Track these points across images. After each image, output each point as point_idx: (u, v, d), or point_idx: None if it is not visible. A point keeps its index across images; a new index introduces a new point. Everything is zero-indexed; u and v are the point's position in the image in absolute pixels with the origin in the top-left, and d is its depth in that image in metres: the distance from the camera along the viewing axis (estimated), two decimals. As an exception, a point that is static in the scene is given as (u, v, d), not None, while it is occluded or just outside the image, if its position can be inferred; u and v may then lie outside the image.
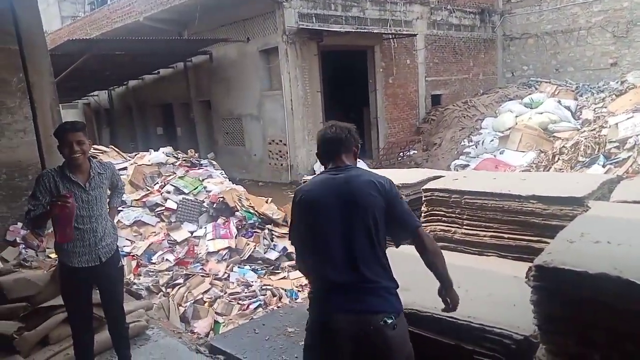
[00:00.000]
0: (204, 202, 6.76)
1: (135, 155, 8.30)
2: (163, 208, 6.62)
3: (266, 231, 6.41)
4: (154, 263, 5.67)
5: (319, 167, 11.87)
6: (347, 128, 2.14)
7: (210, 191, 6.98)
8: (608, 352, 1.65)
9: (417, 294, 2.24)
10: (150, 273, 5.40)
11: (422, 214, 3.37)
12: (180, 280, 5.24)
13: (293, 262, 5.87)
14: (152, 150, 8.44)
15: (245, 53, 12.73)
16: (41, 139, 4.69)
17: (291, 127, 11.97)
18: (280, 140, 12.35)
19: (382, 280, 1.85)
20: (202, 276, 5.34)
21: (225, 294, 5.10)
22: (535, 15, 16.69)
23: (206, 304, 4.91)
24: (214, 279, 5.33)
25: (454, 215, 3.19)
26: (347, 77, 14.21)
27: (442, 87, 15.98)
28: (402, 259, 2.15)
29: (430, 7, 15.04)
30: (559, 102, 12.19)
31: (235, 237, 6.13)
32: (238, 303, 4.91)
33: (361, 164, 10.62)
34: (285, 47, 11.60)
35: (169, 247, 5.99)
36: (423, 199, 3.39)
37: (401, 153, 13.43)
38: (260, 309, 4.78)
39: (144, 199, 6.79)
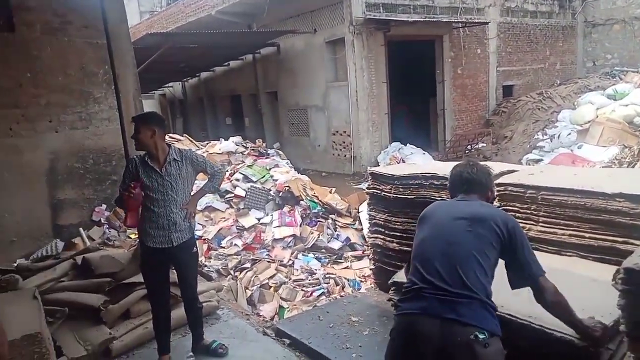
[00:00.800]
0: (270, 190, 6.95)
1: (207, 143, 8.68)
2: (232, 195, 6.88)
3: (330, 221, 6.48)
4: (223, 247, 5.93)
5: (382, 159, 11.83)
6: (487, 172, 2.14)
7: (276, 180, 7.16)
8: None
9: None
10: (219, 257, 5.66)
11: (495, 209, 3.25)
12: (248, 265, 5.44)
13: (356, 252, 5.91)
14: (223, 140, 8.77)
15: (311, 44, 12.82)
16: (125, 127, 5.04)
17: (355, 118, 11.94)
18: (345, 131, 12.37)
19: (480, 294, 1.76)
20: (268, 262, 5.51)
21: (289, 280, 5.23)
22: (623, -1, 15.38)
23: (272, 289, 5.07)
24: (279, 265, 5.48)
25: (529, 211, 3.05)
26: (414, 67, 13.90)
27: (515, 78, 15.20)
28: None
29: (504, -7, 14.32)
30: (648, 93, 11.17)
31: (300, 226, 6.25)
32: (302, 290, 5.02)
33: (426, 157, 10.33)
34: (351, 37, 11.55)
35: (237, 232, 6.22)
36: (495, 194, 3.27)
37: (469, 146, 12.98)
38: (324, 297, 4.86)
39: (214, 186, 7.10)
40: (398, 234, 3.92)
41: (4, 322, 2.59)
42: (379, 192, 4.05)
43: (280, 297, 4.92)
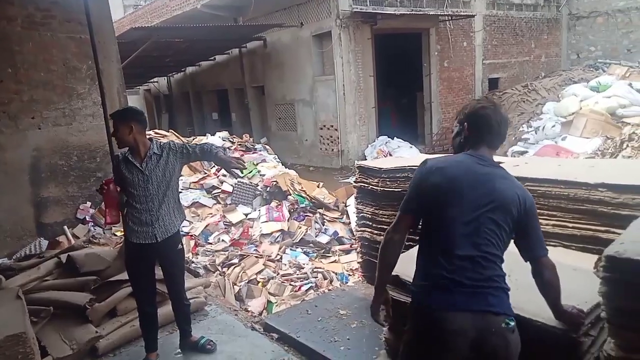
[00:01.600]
0: (258, 185, 6.93)
1: (193, 139, 8.60)
2: (219, 190, 6.85)
3: (317, 215, 6.48)
4: (211, 243, 5.90)
5: (370, 153, 11.87)
6: (508, 120, 1.94)
7: (264, 175, 7.14)
8: (685, 350, 1.55)
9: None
10: (207, 252, 5.63)
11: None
12: (235, 261, 5.42)
13: (344, 246, 5.92)
14: (209, 135, 8.71)
15: (298, 38, 12.76)
16: (109, 123, 4.96)
17: (343, 112, 11.93)
18: (332, 126, 12.36)
19: (501, 280, 1.73)
20: (256, 257, 5.50)
21: (277, 275, 5.23)
22: (607, -8, 15.54)
23: (260, 284, 5.06)
24: (267, 260, 5.47)
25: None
26: (401, 61, 13.93)
27: (501, 70, 15.31)
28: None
29: (490, -14, 14.39)
30: (630, 85, 11.33)
31: (288, 220, 6.25)
32: (290, 284, 5.02)
33: (413, 150, 10.36)
34: (338, 31, 11.52)
35: (225, 228, 6.20)
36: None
37: (455, 139, 13.04)
38: (312, 291, 4.87)
39: (201, 182, 7.06)
40: (385, 226, 3.91)
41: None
42: (367, 185, 4.06)
43: (269, 292, 4.92)
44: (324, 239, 6.02)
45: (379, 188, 3.94)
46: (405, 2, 12.40)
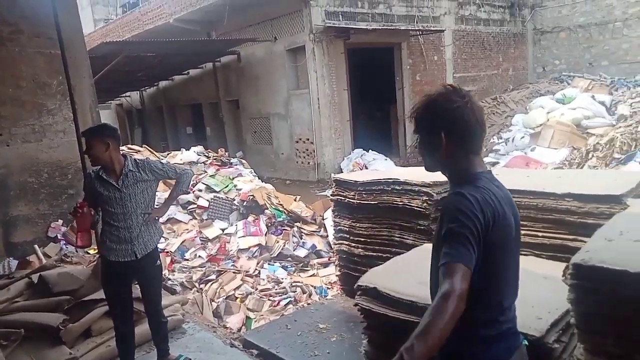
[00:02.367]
0: (234, 200, 6.90)
1: (168, 154, 8.52)
2: (195, 206, 6.79)
3: (295, 229, 6.49)
4: (187, 259, 5.83)
5: (346, 165, 11.97)
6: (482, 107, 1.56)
7: (240, 189, 7.12)
8: (649, 351, 1.64)
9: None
10: (184, 269, 5.56)
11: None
12: (213, 277, 5.37)
13: (322, 260, 5.94)
14: (184, 150, 8.64)
15: (272, 52, 12.85)
16: (81, 139, 4.89)
17: (318, 125, 12.03)
18: (307, 139, 12.42)
19: None
20: (234, 272, 5.46)
21: (256, 290, 5.20)
22: (568, 8, 16.24)
23: (238, 300, 5.02)
24: (245, 276, 5.44)
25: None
26: (374, 74, 14.15)
27: (471, 84, 15.73)
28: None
29: (458, 2, 14.83)
30: (593, 97, 11.82)
31: (265, 235, 6.23)
32: (269, 299, 5.00)
33: (388, 163, 10.45)
34: (312, 45, 11.66)
35: (201, 244, 6.14)
36: (454, 197, 3.38)
37: (429, 151, 13.28)
38: (291, 306, 4.86)
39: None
40: (362, 239, 3.99)
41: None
42: (343, 198, 4.11)
43: (247, 308, 4.88)
44: (302, 252, 6.02)
45: (355, 201, 3.99)
46: (377, 18, 12.67)
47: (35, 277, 3.85)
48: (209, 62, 14.88)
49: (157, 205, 3.25)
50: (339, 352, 3.27)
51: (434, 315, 1.26)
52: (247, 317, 4.75)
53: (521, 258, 1.80)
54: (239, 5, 12.08)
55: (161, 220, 6.37)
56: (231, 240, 6.22)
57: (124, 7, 21.72)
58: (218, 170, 7.83)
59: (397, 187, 3.73)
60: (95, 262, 4.26)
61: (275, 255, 5.93)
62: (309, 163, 12.54)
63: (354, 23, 12.06)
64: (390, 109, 14.33)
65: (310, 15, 11.50)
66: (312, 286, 5.24)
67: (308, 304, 4.74)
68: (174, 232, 6.41)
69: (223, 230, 6.43)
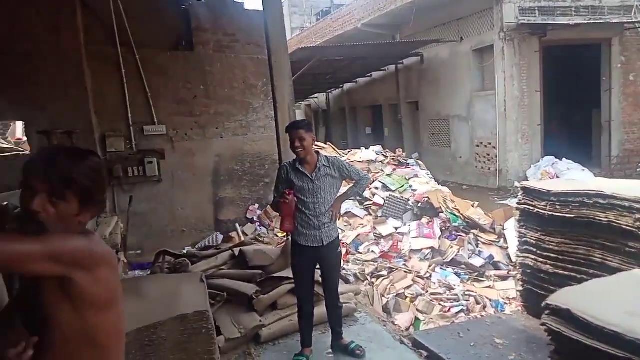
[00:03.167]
0: (409, 200, 6.92)
1: (348, 152, 8.97)
2: (371, 202, 7.01)
3: (471, 236, 6.20)
4: (361, 253, 6.07)
5: (533, 174, 10.94)
6: None
7: (415, 190, 7.10)
8: None
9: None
10: (357, 261, 5.80)
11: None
12: (384, 273, 5.48)
13: (500, 272, 5.56)
14: (363, 148, 8.99)
15: (457, 53, 12.44)
16: (280, 134, 5.50)
17: (503, 129, 11.22)
18: (490, 143, 11.70)
19: None
20: (405, 272, 5.48)
21: (426, 292, 5.13)
22: None
23: (407, 299, 5.03)
24: (416, 277, 5.41)
25: None
26: (573, 74, 12.58)
27: None
28: None
29: (698, -15, 12.16)
30: None
31: (439, 238, 6.10)
32: (439, 304, 4.89)
33: (587, 173, 9.20)
34: (501, 44, 10.92)
35: (375, 239, 6.32)
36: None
37: (641, 163, 11.27)
38: (462, 314, 4.67)
39: (354, 193, 7.31)
40: (552, 255, 3.61)
41: (180, 297, 3.03)
42: (532, 208, 3.78)
43: (417, 309, 4.85)
44: (477, 261, 5.73)
45: (546, 212, 3.63)
46: (581, 11, 11.19)
47: (236, 251, 4.47)
48: (391, 65, 15.16)
49: None
50: (516, 372, 3.03)
51: None
52: (416, 318, 4.72)
53: None
54: (426, 7, 12.00)
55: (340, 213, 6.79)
56: (404, 239, 6.25)
57: (317, 16, 23.60)
58: (395, 170, 7.94)
59: (601, 201, 3.26)
60: (283, 244, 4.75)
61: (448, 260, 5.77)
62: (489, 169, 11.81)
63: (552, 19, 10.88)
64: (593, 114, 12.54)
65: (502, 13, 10.77)
66: (487, 298, 4.95)
67: (482, 315, 4.49)
68: (350, 225, 6.73)
69: (396, 228, 6.51)
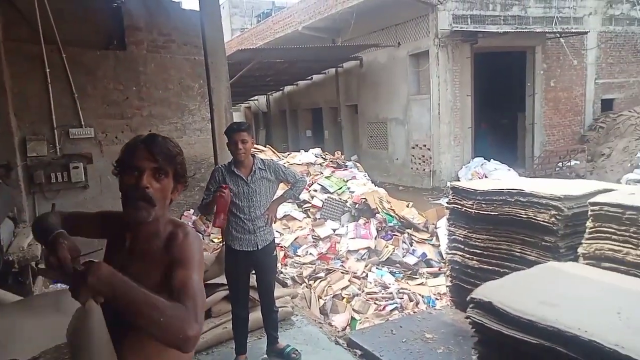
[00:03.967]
0: (347, 202, 7.01)
1: (288, 154, 8.96)
2: (310, 205, 7.03)
3: (405, 235, 6.38)
4: (299, 255, 6.06)
5: (464, 174, 11.45)
6: None
7: (353, 192, 7.21)
8: None
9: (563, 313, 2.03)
10: (295, 264, 5.79)
11: (588, 230, 3.03)
12: (322, 274, 5.51)
13: (432, 269, 5.76)
14: (303, 151, 9.01)
15: (394, 58, 12.81)
16: (216, 137, 5.39)
17: (437, 131, 11.69)
18: (425, 145, 12.14)
19: None
20: (342, 273, 5.54)
21: (362, 292, 5.22)
22: None
23: (344, 300, 5.08)
24: (353, 277, 5.49)
25: (627, 234, 2.79)
26: (501, 80, 13.35)
27: (616, 91, 14.00)
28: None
29: (607, 1, 13.30)
30: None
31: (375, 238, 6.23)
32: (375, 303, 4.98)
33: (512, 173, 9.79)
34: (436, 50, 11.38)
35: (313, 242, 6.34)
36: (589, 213, 3.04)
37: (560, 163, 12.13)
38: (397, 312, 4.79)
39: (293, 195, 7.31)
40: (478, 251, 3.78)
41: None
42: (460, 207, 3.94)
43: (353, 309, 4.92)
44: (411, 259, 5.90)
45: (473, 210, 3.80)
46: (509, 20, 11.93)
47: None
48: (332, 68, 15.34)
49: None
50: (445, 365, 3.14)
51: None
52: (353, 318, 4.78)
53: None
54: (365, 12, 12.27)
55: (277, 215, 6.74)
56: (341, 241, 6.32)
57: (258, 17, 23.44)
58: (333, 172, 8.02)
59: (522, 199, 3.46)
60: (219, 250, 4.64)
61: (383, 259, 5.90)
62: (424, 170, 12.24)
63: (483, 26, 11.50)
64: (518, 117, 13.36)
65: (437, 20, 11.24)
66: (419, 295, 5.10)
67: (414, 312, 4.63)
68: (289, 228, 6.71)
69: (334, 230, 6.57)
